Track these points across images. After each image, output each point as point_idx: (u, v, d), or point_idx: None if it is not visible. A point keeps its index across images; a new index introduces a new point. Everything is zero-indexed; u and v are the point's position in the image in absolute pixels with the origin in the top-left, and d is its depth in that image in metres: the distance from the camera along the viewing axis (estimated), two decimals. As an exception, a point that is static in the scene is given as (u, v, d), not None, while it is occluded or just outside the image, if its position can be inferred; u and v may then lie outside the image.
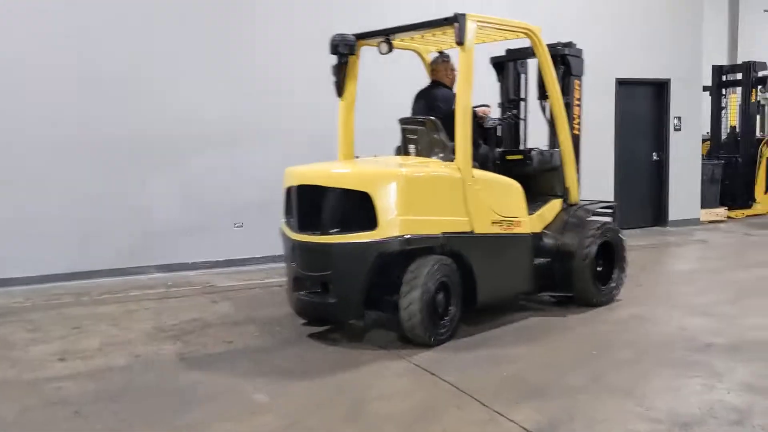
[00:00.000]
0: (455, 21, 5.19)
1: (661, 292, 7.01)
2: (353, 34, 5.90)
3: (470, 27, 5.23)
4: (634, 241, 8.82)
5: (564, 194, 6.23)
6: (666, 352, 4.92)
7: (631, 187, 10.89)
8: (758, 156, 10.90)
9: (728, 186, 11.46)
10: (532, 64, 6.80)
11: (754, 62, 10.75)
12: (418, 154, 5.76)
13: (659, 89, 11.11)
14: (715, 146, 12.29)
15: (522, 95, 7.21)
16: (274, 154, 7.88)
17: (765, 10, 13.18)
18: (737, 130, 12.00)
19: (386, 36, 5.71)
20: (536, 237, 5.90)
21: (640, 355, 4.85)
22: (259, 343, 5.30)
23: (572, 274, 5.91)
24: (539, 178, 6.25)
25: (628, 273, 6.49)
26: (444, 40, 6.04)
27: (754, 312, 5.90)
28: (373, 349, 5.07)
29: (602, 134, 10.11)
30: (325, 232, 5.00)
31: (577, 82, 6.66)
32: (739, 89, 11.48)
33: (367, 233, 4.86)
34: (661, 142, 11.19)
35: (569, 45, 6.71)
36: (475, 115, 5.68)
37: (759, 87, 10.85)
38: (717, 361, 4.59)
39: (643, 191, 11.20)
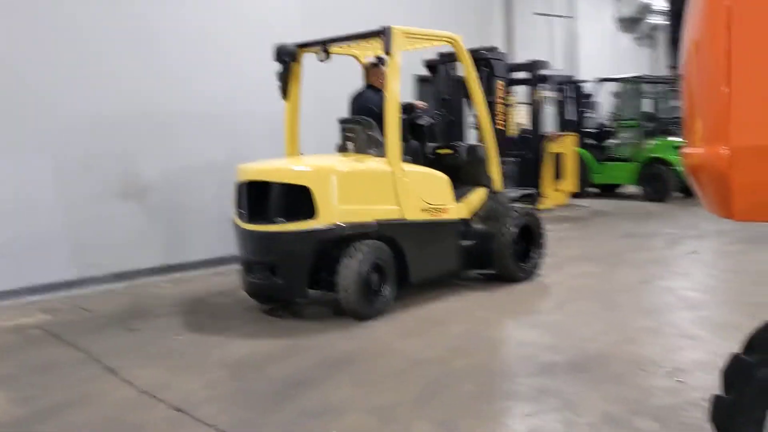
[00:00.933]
0: (382, 33, 5.77)
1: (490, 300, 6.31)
2: (294, 44, 6.52)
3: (396, 37, 5.77)
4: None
5: (488, 183, 6.82)
6: (509, 380, 4.31)
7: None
8: (544, 152, 11.05)
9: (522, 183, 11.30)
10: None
11: (538, 61, 10.88)
12: (356, 150, 6.28)
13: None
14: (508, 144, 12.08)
15: (452, 95, 7.89)
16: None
17: (535, 13, 14.00)
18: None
19: (324, 45, 6.31)
20: (464, 222, 6.52)
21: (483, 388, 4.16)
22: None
23: (495, 254, 6.53)
24: (467, 170, 6.80)
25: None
26: (377, 46, 6.42)
27: (582, 320, 5.44)
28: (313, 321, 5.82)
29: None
30: (271, 222, 5.58)
31: (499, 82, 7.50)
32: (523, 88, 11.40)
33: (308, 222, 5.45)
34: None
35: (492, 49, 7.61)
36: (408, 112, 6.42)
37: (540, 85, 10.93)
38: (566, 386, 4.06)
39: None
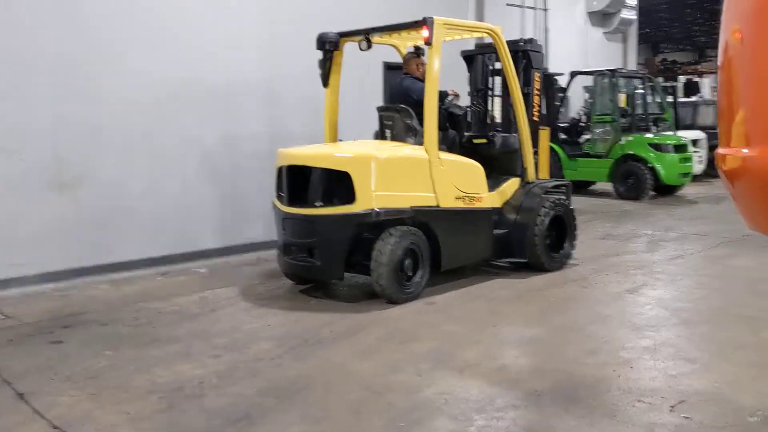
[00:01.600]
0: (424, 23, 5.86)
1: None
2: (337, 33, 6.62)
3: (438, 28, 5.89)
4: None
5: (522, 173, 6.88)
6: (489, 414, 3.61)
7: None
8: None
9: None
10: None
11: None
12: (393, 138, 6.44)
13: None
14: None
15: (489, 85, 7.94)
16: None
17: (507, 4, 13.85)
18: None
19: (366, 35, 6.43)
20: (496, 211, 6.61)
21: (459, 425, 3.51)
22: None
23: (527, 243, 6.58)
24: (501, 159, 6.90)
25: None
26: (418, 36, 6.51)
27: (568, 336, 4.85)
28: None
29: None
30: (311, 206, 5.79)
31: (537, 74, 7.35)
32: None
33: (347, 207, 5.59)
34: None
35: (530, 41, 7.52)
36: (441, 100, 6.47)
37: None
38: (556, 422, 3.48)
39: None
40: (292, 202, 5.96)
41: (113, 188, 6.98)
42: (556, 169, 12.67)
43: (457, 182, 6.14)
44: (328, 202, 5.76)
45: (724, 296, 5.84)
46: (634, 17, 19.15)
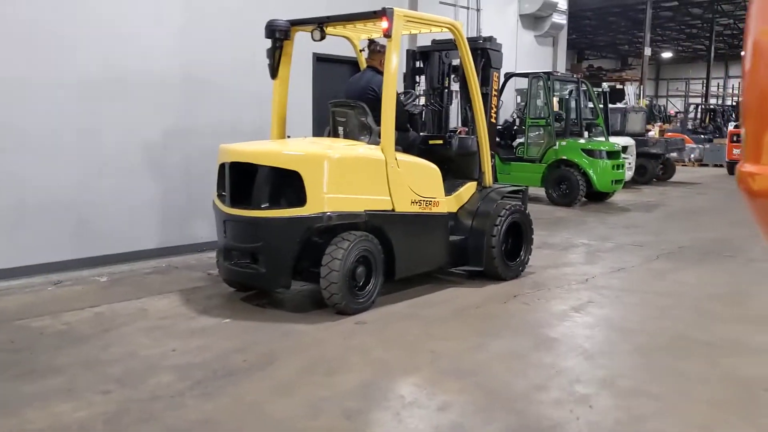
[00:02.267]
0: (383, 14, 5.45)
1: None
2: (288, 20, 6.10)
3: (397, 20, 5.48)
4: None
5: (479, 177, 6.57)
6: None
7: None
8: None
9: None
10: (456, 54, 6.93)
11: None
12: (346, 136, 5.94)
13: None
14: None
15: (446, 84, 7.63)
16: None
17: (440, 2, 13.48)
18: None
19: (319, 24, 5.95)
20: (452, 216, 6.28)
21: None
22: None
23: (483, 251, 6.24)
24: (458, 162, 6.52)
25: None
26: (373, 29, 6.31)
27: (513, 366, 4.26)
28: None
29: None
30: (256, 207, 5.24)
31: (495, 74, 7.17)
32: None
33: (296, 209, 5.14)
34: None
35: (490, 39, 7.23)
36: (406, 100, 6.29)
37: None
38: None
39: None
40: (234, 203, 5.43)
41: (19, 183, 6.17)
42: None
43: (414, 185, 5.76)
44: (274, 203, 5.26)
45: (675, 317, 5.43)
46: (564, 22, 19.06)
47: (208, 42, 7.62)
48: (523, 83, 13.80)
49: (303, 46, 7.71)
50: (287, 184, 5.18)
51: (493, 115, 7.08)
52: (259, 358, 4.35)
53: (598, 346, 4.73)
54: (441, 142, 6.52)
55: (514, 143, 13.19)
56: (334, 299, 5.17)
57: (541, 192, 12.70)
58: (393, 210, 5.56)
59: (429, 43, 7.91)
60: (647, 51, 26.93)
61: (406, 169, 5.70)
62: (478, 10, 15.42)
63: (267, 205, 5.23)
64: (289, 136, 6.35)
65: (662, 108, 35.38)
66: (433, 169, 6.00)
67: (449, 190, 6.26)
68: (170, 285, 6.17)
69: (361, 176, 5.40)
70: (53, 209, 6.44)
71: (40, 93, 6.30)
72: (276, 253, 5.22)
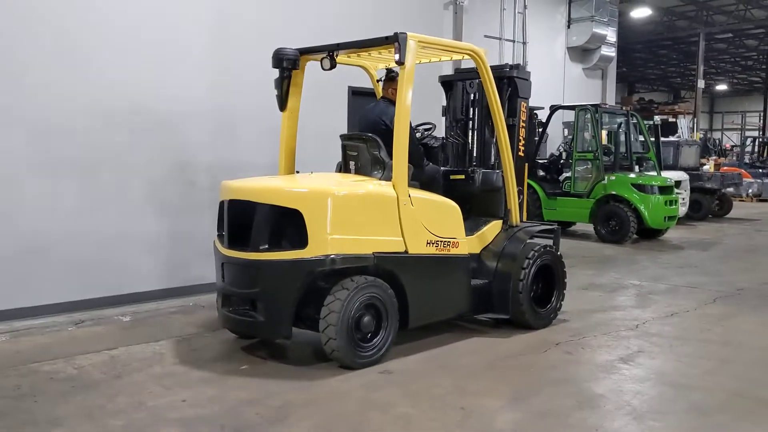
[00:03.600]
0: (395, 40, 5.08)
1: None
2: (296, 49, 5.78)
3: (410, 46, 5.13)
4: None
5: (505, 215, 6.08)
6: None
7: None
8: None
9: None
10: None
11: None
12: (358, 171, 5.63)
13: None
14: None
15: (470, 115, 7.07)
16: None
17: (485, 36, 13.66)
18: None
19: (329, 52, 5.61)
20: (475, 258, 5.81)
21: None
22: None
23: (509, 296, 5.73)
24: (482, 199, 6.13)
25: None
26: (389, 57, 5.87)
27: (555, 428, 3.90)
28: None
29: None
30: (254, 249, 4.86)
31: (524, 104, 6.59)
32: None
33: (297, 251, 4.75)
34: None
35: (517, 67, 6.68)
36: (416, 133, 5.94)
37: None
38: None
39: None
40: (233, 244, 5.02)
41: (30, 223, 6.02)
42: (534, 209, 11.89)
43: (430, 224, 5.31)
44: (275, 245, 4.86)
45: (735, 371, 4.91)
46: (614, 54, 18.68)
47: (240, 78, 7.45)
48: (570, 116, 13.35)
49: (340, 79, 7.60)
50: (288, 224, 4.81)
51: (521, 148, 6.54)
52: (273, 412, 4.02)
53: (649, 403, 4.25)
54: (463, 177, 6.10)
55: (561, 177, 12.71)
56: (335, 355, 4.74)
57: (589, 228, 12.17)
58: (406, 252, 5.13)
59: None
60: (701, 84, 26.21)
61: (421, 206, 5.28)
62: (524, 43, 15.17)
63: (266, 246, 4.83)
64: (298, 172, 6.00)
65: (717, 141, 34.25)
66: (451, 206, 5.59)
67: (472, 229, 5.84)
68: (192, 326, 5.90)
69: (369, 215, 4.99)
70: (77, 246, 6.28)
71: (67, 126, 6.19)
72: (275, 300, 4.78)
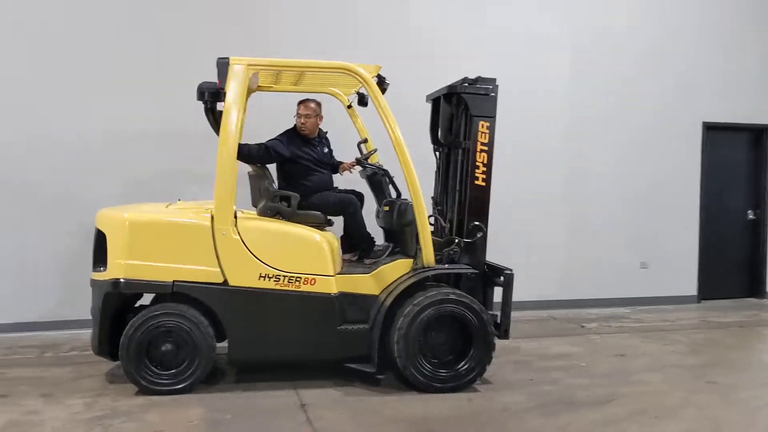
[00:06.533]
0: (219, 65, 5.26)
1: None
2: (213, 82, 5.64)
3: (236, 71, 5.22)
4: (716, 316, 8.19)
5: (416, 254, 5.59)
6: None
7: (720, 250, 9.86)
8: None
9: None
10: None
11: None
12: (255, 202, 5.92)
13: (757, 136, 10.07)
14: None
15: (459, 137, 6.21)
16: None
17: None
18: None
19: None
20: (351, 299, 5.44)
21: None
22: None
23: (377, 346, 5.31)
24: (400, 234, 5.81)
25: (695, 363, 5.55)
26: (353, 82, 5.91)
27: None
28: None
29: (684, 187, 9.59)
30: (95, 270, 5.38)
31: (483, 123, 5.83)
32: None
33: (101, 273, 5.24)
34: (758, 198, 10.08)
35: (475, 81, 5.94)
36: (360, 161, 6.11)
37: None
38: None
39: (735, 255, 10.05)
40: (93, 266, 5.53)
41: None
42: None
43: (266, 257, 5.29)
44: (100, 266, 5.35)
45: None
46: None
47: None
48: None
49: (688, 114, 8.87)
50: (104, 247, 5.26)
51: (478, 176, 5.81)
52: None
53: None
54: (387, 208, 5.91)
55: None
56: (130, 378, 5.14)
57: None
58: (225, 283, 5.19)
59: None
60: None
61: (254, 237, 5.29)
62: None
63: (100, 268, 5.27)
64: (179, 200, 6.17)
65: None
66: (308, 239, 5.40)
67: (367, 267, 5.59)
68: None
69: (172, 244, 5.20)
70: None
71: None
72: (94, 318, 5.32)
